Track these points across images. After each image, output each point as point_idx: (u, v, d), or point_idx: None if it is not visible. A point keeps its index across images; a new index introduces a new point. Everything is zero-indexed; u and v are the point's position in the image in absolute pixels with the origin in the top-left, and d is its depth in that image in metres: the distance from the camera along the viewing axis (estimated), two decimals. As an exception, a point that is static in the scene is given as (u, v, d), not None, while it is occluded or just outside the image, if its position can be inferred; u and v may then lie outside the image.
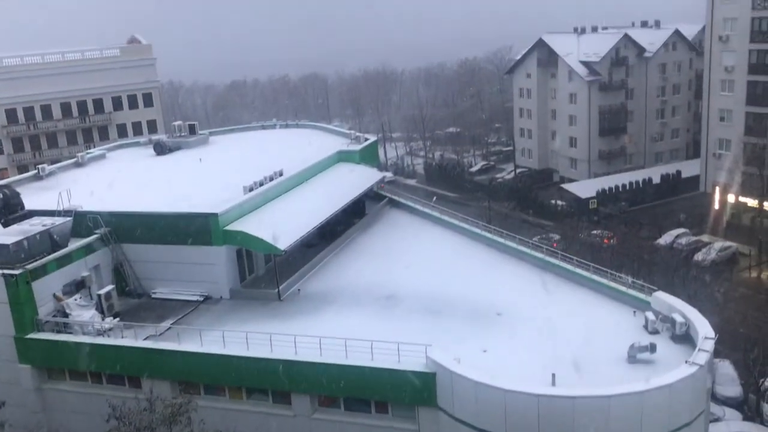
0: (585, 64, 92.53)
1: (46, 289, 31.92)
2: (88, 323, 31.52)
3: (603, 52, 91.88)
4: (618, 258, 53.09)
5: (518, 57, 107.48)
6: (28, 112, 77.98)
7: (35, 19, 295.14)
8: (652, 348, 26.84)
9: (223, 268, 34.36)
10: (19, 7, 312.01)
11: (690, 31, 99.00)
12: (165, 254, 34.78)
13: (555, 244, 58.88)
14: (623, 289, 32.35)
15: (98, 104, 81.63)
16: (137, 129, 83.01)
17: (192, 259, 34.39)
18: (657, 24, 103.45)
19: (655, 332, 28.79)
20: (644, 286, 31.94)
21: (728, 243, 67.43)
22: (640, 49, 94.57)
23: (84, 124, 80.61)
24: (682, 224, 72.04)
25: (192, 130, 55.27)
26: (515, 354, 27.92)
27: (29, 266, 31.14)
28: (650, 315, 29.33)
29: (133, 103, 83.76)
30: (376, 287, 34.78)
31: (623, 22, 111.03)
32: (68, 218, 35.06)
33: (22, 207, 37.03)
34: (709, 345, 26.46)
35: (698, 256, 60.45)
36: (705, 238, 69.25)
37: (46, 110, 78.86)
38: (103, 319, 32.17)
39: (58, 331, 31.57)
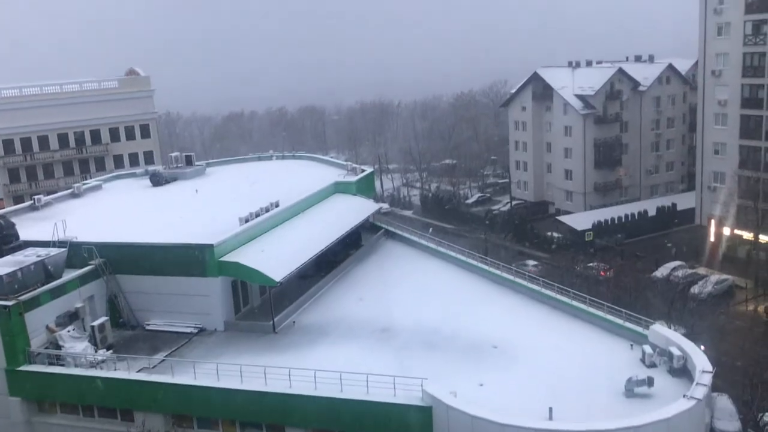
0: (580, 97, 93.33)
1: (39, 321, 31.68)
2: (80, 355, 31.22)
3: (597, 86, 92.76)
4: (615, 291, 52.94)
5: (513, 90, 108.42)
6: (26, 142, 78.10)
7: (35, 51, 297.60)
8: (650, 382, 26.66)
9: (217, 299, 34.17)
10: (19, 39, 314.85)
11: (683, 66, 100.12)
12: (159, 285, 34.61)
13: (532, 270, 59.04)
14: (620, 322, 32.23)
15: (95, 135, 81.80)
16: (134, 160, 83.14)
17: (186, 291, 34.21)
18: (651, 59, 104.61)
19: (653, 366, 28.61)
20: (641, 319, 31.82)
21: (725, 276, 67.36)
22: (635, 83, 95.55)
23: (81, 155, 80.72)
24: (673, 258, 72.33)
25: (189, 161, 55.43)
26: (512, 388, 27.69)
27: (22, 297, 30.93)
28: (647, 348, 29.19)
29: (130, 134, 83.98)
30: (371, 320, 34.58)
31: (617, 56, 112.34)
32: (63, 249, 34.92)
33: (17, 237, 36.89)
34: (707, 379, 26.31)
35: (695, 289, 60.25)
36: (701, 270, 69.17)
37: (43, 141, 78.98)
38: (96, 351, 31.86)
39: (50, 363, 31.23)
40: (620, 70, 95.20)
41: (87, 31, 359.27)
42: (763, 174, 69.37)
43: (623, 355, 30.12)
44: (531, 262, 73.26)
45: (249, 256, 33.96)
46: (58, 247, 35.15)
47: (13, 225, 37.44)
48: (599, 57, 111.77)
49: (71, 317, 33.07)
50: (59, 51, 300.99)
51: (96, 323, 32.88)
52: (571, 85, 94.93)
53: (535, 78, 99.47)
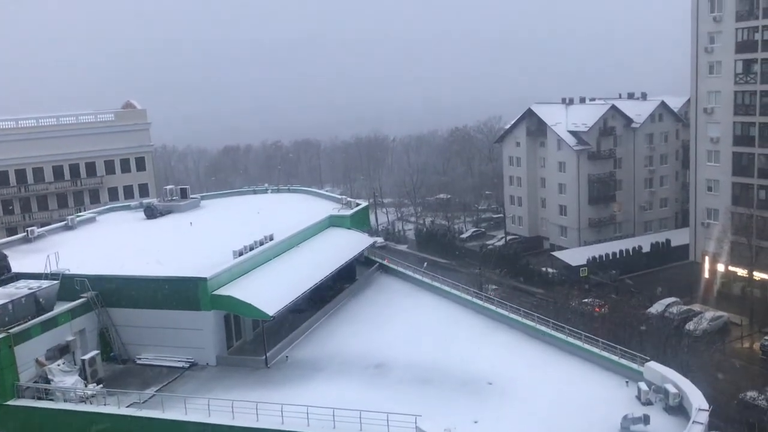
0: (573, 133, 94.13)
1: (28, 354, 31.26)
2: (70, 389, 30.78)
3: (591, 123, 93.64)
4: (609, 327, 52.78)
5: (508, 126, 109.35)
6: (20, 174, 78.17)
7: (33, 84, 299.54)
8: (646, 419, 26.40)
9: (210, 333, 33.85)
10: (19, 72, 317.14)
11: (676, 103, 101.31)
12: (151, 319, 34.29)
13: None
14: (615, 358, 32.04)
15: (90, 167, 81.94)
16: (129, 192, 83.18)
17: (179, 324, 33.89)
18: (643, 96, 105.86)
19: (649, 403, 28.36)
20: (636, 356, 31.65)
21: (719, 312, 67.24)
22: (628, 120, 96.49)
23: (75, 187, 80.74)
24: (660, 297, 71.93)
25: (183, 194, 55.37)
26: (507, 425, 27.40)
27: (12, 330, 30.57)
28: (643, 385, 28.95)
29: (125, 167, 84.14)
30: (365, 355, 34.29)
31: (610, 93, 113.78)
32: (55, 281, 34.62)
33: (9, 269, 36.64)
34: (704, 417, 26.05)
35: (690, 326, 60.09)
36: (696, 307, 69.04)
37: (38, 173, 79.07)
38: (86, 386, 31.43)
39: (39, 398, 30.77)
40: (613, 107, 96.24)
41: (85, 65, 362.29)
42: (756, 211, 69.78)
43: (619, 392, 29.87)
44: (492, 287, 73.57)
45: (242, 290, 33.75)
46: (50, 279, 34.87)
47: (5, 257, 37.20)
48: (592, 94, 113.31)
49: (62, 351, 32.67)
50: (56, 84, 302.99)
51: (86, 357, 32.48)
52: (565, 121, 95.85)
53: (529, 114, 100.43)
